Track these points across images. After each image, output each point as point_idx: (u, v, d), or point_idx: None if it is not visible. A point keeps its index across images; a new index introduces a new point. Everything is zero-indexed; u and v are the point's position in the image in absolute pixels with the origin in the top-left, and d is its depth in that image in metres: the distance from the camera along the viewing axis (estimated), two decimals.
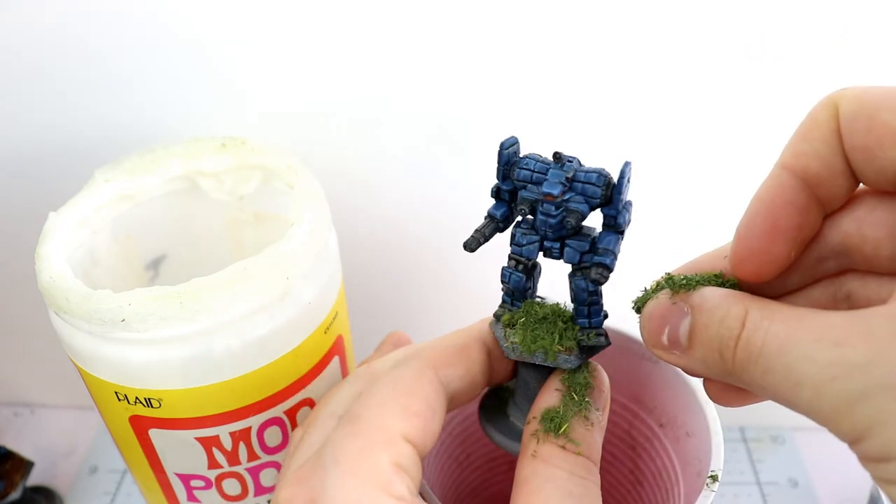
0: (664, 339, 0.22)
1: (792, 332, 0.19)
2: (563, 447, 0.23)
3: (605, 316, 0.25)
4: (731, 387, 0.23)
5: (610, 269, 0.23)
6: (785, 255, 0.22)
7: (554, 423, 0.23)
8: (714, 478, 0.27)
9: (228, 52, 0.39)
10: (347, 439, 0.21)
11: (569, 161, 0.22)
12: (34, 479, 0.51)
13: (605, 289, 0.24)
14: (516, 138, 0.24)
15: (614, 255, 0.23)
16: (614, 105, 0.40)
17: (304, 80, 0.40)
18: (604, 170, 0.22)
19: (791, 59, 0.38)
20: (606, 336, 0.25)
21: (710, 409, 0.30)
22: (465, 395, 0.25)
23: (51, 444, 0.55)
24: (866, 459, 0.18)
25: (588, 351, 0.25)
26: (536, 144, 0.42)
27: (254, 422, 0.32)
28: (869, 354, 0.17)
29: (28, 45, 0.39)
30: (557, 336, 0.24)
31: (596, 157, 0.39)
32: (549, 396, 0.24)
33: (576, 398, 0.24)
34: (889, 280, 0.21)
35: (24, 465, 0.46)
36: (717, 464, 0.28)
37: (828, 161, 0.21)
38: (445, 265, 0.48)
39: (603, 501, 0.23)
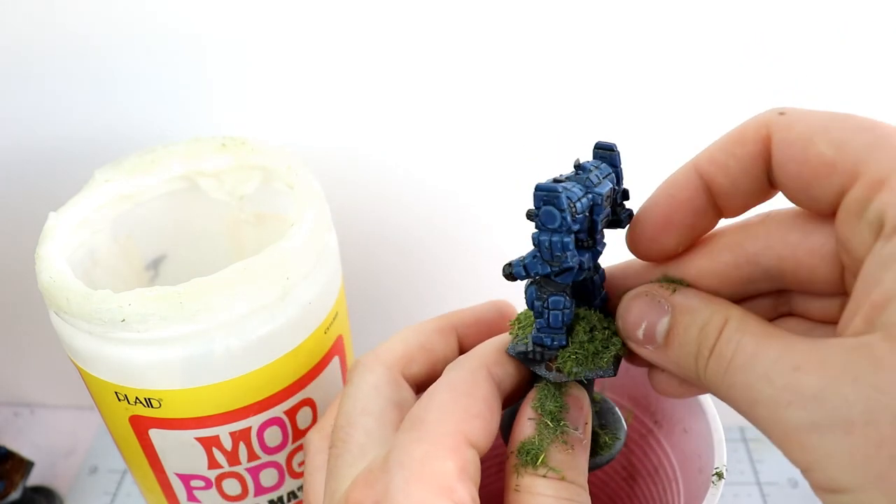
0: (640, 333, 0.23)
1: (757, 349, 0.19)
2: (545, 476, 0.22)
3: (546, 345, 0.24)
4: (677, 379, 0.24)
5: (511, 267, 0.22)
6: (672, 246, 0.23)
7: (531, 456, 0.23)
8: (719, 475, 0.27)
9: (229, 52, 0.39)
10: (413, 444, 0.21)
11: (584, 170, 0.22)
12: (34, 479, 0.52)
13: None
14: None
15: (522, 263, 0.22)
16: (613, 107, 0.40)
17: (303, 79, 0.40)
18: (558, 190, 0.21)
19: (791, 59, 0.38)
20: (540, 359, 0.24)
21: (709, 405, 0.30)
22: (516, 393, 0.25)
23: (51, 444, 0.55)
24: (816, 488, 0.18)
25: (530, 361, 0.24)
26: (536, 145, 0.42)
27: (254, 422, 0.32)
28: (821, 384, 0.17)
29: (28, 45, 0.39)
30: (518, 330, 0.25)
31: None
32: (523, 427, 0.24)
33: (550, 425, 0.23)
34: (828, 299, 0.22)
35: (24, 465, 0.46)
36: (721, 460, 0.28)
37: (735, 179, 0.21)
38: (446, 265, 0.48)
39: (595, 499, 0.23)
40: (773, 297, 0.23)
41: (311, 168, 0.36)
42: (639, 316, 0.23)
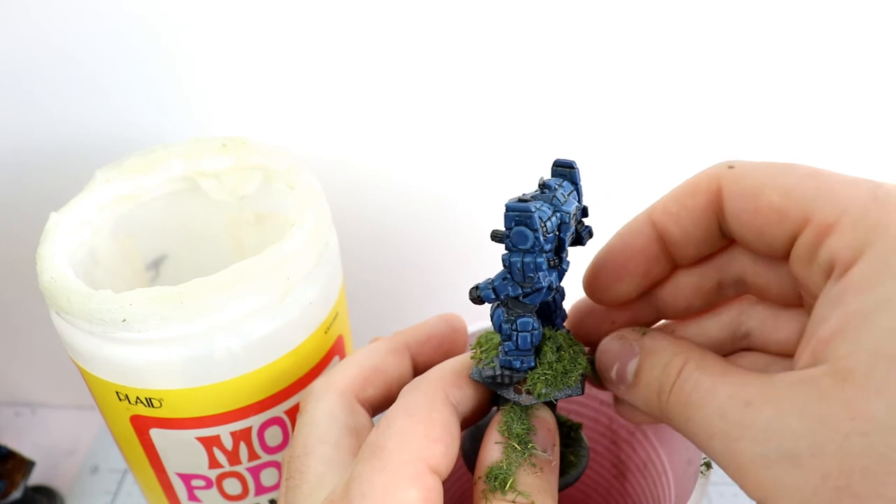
0: (613, 374, 0.24)
1: (713, 386, 0.20)
2: (514, 501, 0.22)
3: (515, 367, 0.23)
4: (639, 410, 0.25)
5: (478, 290, 0.22)
6: (626, 293, 0.24)
7: (499, 481, 0.22)
8: (708, 465, 0.28)
9: (229, 53, 0.39)
10: (374, 474, 0.21)
11: (549, 188, 0.22)
12: (35, 478, 0.52)
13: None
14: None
15: (490, 286, 0.22)
16: (611, 109, 0.40)
17: (303, 79, 0.40)
18: (530, 210, 0.21)
19: (791, 59, 0.38)
20: (509, 382, 0.23)
21: None
22: (474, 415, 0.25)
23: (52, 443, 0.55)
24: None
25: (495, 383, 0.24)
26: (536, 146, 0.42)
27: (254, 421, 0.32)
28: (770, 418, 0.18)
29: (29, 46, 0.40)
30: (482, 354, 0.24)
31: (593, 161, 0.39)
32: (491, 451, 0.23)
33: (518, 448, 0.23)
34: (783, 314, 0.23)
35: (26, 465, 0.46)
36: None
37: (687, 230, 0.22)
38: (446, 265, 0.48)
39: (586, 497, 0.23)
40: (734, 321, 0.24)
41: (312, 168, 0.36)
42: (612, 358, 0.24)
